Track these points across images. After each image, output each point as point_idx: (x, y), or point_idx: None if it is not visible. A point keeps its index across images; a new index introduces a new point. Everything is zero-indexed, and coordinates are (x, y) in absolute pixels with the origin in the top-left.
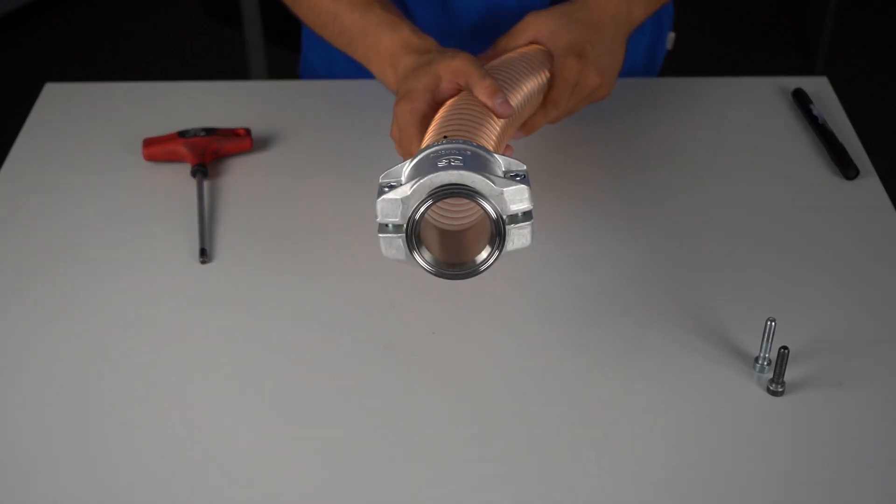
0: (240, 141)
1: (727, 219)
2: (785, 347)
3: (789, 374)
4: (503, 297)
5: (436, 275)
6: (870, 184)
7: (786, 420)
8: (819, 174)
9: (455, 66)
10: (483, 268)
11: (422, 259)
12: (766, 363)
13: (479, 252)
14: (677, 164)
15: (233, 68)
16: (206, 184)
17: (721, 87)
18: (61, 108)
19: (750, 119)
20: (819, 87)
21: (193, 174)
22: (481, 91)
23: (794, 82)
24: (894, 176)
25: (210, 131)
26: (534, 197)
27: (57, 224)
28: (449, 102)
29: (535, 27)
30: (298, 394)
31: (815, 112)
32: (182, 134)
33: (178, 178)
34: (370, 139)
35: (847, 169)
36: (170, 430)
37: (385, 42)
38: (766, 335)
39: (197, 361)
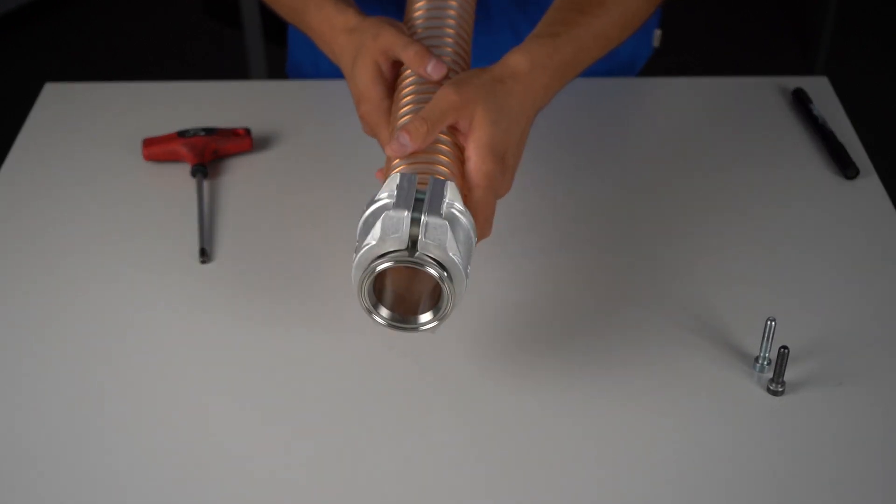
0: (240, 141)
1: (727, 219)
2: (785, 347)
3: (789, 374)
4: (503, 297)
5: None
6: (870, 183)
7: (786, 420)
8: (819, 174)
9: (382, 47)
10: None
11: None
12: (766, 363)
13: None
14: (677, 164)
15: (233, 68)
16: (206, 184)
17: (721, 87)
18: (61, 108)
19: (750, 119)
20: (819, 87)
21: (193, 174)
22: (410, 61)
23: (794, 82)
24: (894, 176)
25: (210, 131)
26: (534, 198)
27: (57, 224)
28: (399, 91)
29: (455, 109)
30: (298, 393)
31: (815, 112)
32: (182, 134)
33: (178, 178)
34: (370, 139)
35: (847, 169)
36: (170, 430)
37: (314, 23)
38: (766, 335)
39: (197, 361)
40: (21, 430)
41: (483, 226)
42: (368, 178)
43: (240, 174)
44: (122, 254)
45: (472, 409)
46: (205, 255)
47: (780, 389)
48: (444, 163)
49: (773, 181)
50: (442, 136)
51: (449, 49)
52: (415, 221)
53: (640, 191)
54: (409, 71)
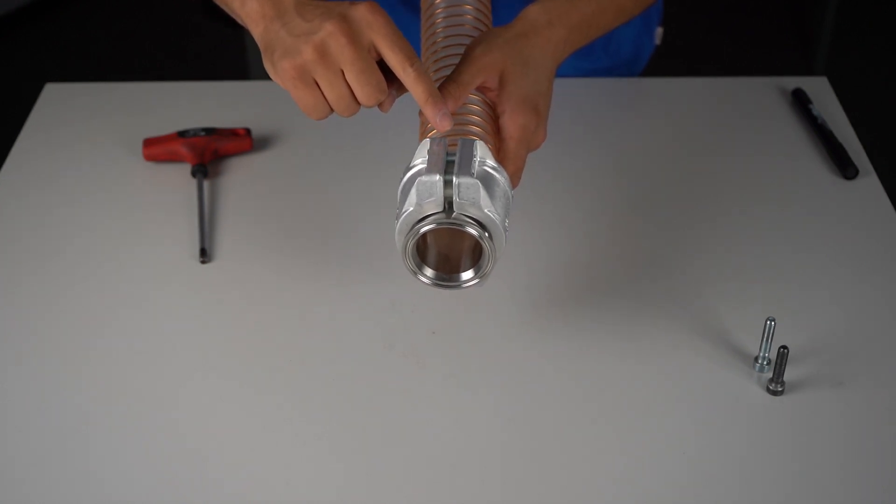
0: (240, 141)
1: (727, 218)
2: (784, 347)
3: (789, 374)
4: (502, 297)
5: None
6: (869, 184)
7: (785, 420)
8: (818, 174)
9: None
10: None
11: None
12: (765, 363)
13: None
14: (677, 164)
15: (233, 68)
16: (206, 184)
17: (720, 87)
18: (61, 108)
19: (749, 119)
20: (819, 87)
21: (193, 174)
22: (417, 95)
23: (793, 82)
24: (894, 176)
25: (210, 131)
26: (533, 197)
27: (57, 224)
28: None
29: (484, 68)
30: (298, 393)
31: (815, 112)
32: (182, 134)
33: (178, 178)
34: (370, 139)
35: (846, 169)
36: (170, 430)
37: None
38: (765, 335)
39: (197, 361)
40: (20, 430)
41: (513, 178)
42: (369, 177)
43: (240, 174)
44: (122, 254)
45: (471, 409)
46: (205, 255)
47: (780, 389)
48: (476, 122)
49: (772, 181)
50: (471, 95)
51: (469, 7)
52: (447, 184)
53: (640, 190)
54: (429, 37)
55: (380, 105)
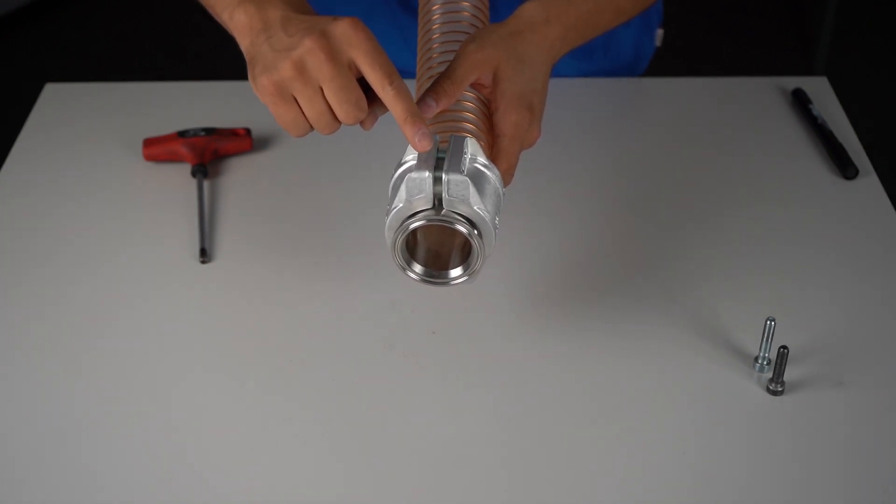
0: (240, 141)
1: (727, 219)
2: (784, 347)
3: (789, 374)
4: (502, 297)
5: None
6: (869, 184)
7: (785, 420)
8: (818, 174)
9: (362, 50)
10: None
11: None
12: (765, 363)
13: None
14: (677, 165)
15: (233, 68)
16: (206, 184)
17: (720, 87)
18: (61, 108)
19: (749, 119)
20: (819, 87)
21: (193, 174)
22: (396, 114)
23: (793, 82)
24: (894, 176)
25: (210, 131)
26: (534, 198)
27: (57, 224)
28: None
29: (478, 65)
30: (298, 393)
31: (815, 112)
32: (182, 134)
33: (178, 178)
34: (371, 139)
35: (846, 169)
36: (169, 430)
37: None
38: (765, 335)
39: (197, 361)
40: (20, 429)
41: (505, 175)
42: (369, 177)
43: (240, 174)
44: (122, 254)
45: (471, 409)
46: (205, 255)
47: (780, 389)
48: (469, 119)
49: (772, 181)
50: (466, 92)
51: (467, 4)
52: (437, 180)
53: (639, 190)
54: (425, 30)
55: (361, 123)
